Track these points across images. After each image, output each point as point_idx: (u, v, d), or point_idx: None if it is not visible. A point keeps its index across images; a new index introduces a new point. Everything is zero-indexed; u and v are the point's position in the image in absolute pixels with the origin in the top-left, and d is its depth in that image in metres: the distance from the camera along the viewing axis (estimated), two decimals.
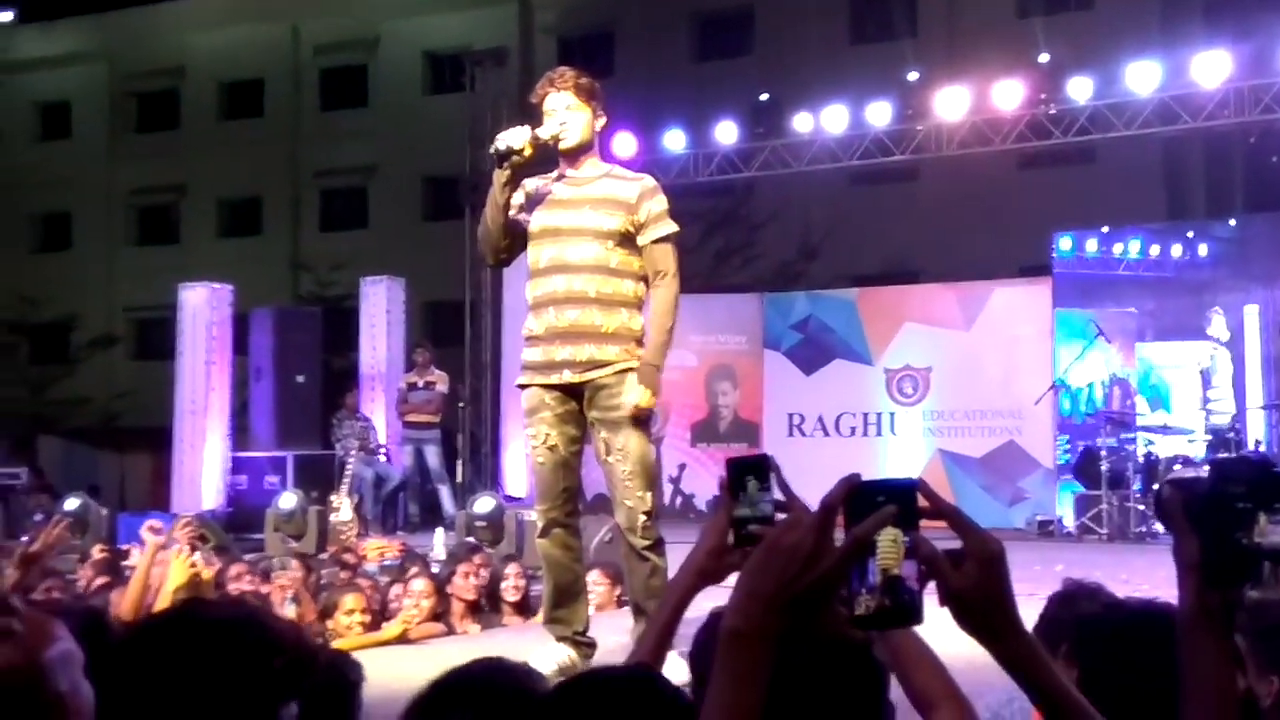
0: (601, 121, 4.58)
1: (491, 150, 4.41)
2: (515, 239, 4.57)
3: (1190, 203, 21.55)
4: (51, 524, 4.31)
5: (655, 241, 4.50)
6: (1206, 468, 1.54)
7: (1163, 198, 20.83)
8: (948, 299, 13.75)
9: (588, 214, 4.47)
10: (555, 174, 4.65)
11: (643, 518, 4.41)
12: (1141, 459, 11.38)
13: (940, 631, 1.27)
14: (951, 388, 13.34)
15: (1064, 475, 12.40)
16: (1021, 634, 1.22)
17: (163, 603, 4.62)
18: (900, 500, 1.18)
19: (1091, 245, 13.43)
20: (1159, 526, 10.19)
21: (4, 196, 30.24)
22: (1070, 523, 11.89)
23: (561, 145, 4.52)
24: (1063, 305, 12.75)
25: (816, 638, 1.17)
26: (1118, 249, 13.39)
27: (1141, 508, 10.90)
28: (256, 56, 29.05)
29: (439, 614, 6.23)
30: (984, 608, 1.21)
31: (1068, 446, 12.48)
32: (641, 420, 4.43)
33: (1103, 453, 11.35)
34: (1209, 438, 11.66)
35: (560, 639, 4.49)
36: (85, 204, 30.13)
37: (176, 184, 29.53)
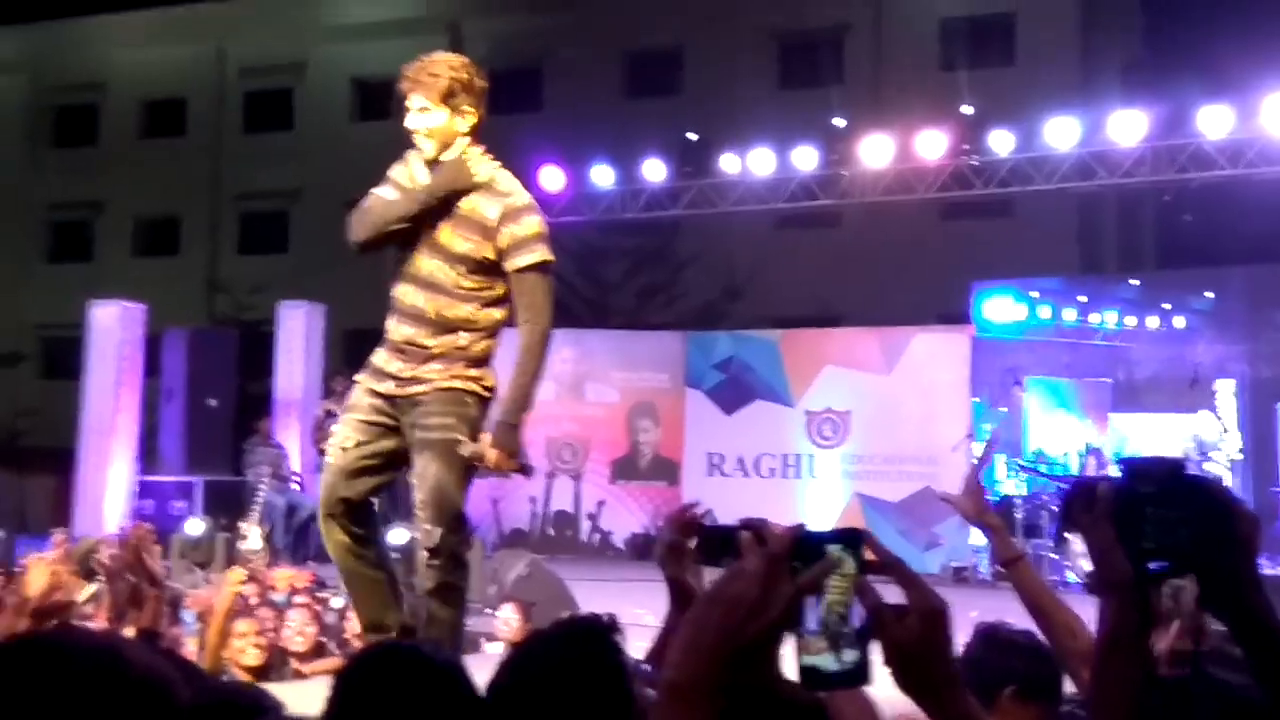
0: (470, 120, 4.14)
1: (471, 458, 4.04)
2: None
3: (1103, 257, 22.06)
4: None
5: (521, 270, 4.07)
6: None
7: (1076, 251, 21.30)
8: (869, 343, 13.87)
9: (445, 232, 4.08)
10: (425, 168, 4.19)
11: (424, 554, 4.02)
12: (1055, 509, 11.54)
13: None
14: (871, 431, 13.43)
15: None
16: (961, 693, 1.19)
17: (20, 617, 4.32)
18: (844, 546, 1.16)
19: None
20: (1071, 576, 10.32)
21: None
22: (984, 569, 12.01)
23: (425, 154, 4.16)
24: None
25: (760, 692, 1.12)
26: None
27: (1055, 556, 11.04)
28: (180, 75, 28.66)
29: (322, 646, 6.05)
30: (924, 664, 1.17)
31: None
32: (450, 449, 4.01)
33: (1017, 501, 11.50)
34: None
35: None
36: None
37: (93, 201, 28.95)
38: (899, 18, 23.92)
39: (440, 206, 4.10)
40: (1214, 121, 11.97)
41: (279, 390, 14.10)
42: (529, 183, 14.47)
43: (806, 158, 13.61)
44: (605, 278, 22.74)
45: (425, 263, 4.10)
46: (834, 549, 1.16)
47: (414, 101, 4.14)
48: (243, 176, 27.88)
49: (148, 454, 13.64)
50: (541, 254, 4.09)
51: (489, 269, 4.09)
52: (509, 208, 4.09)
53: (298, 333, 14.10)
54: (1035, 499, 11.68)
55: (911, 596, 1.18)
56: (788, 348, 14.12)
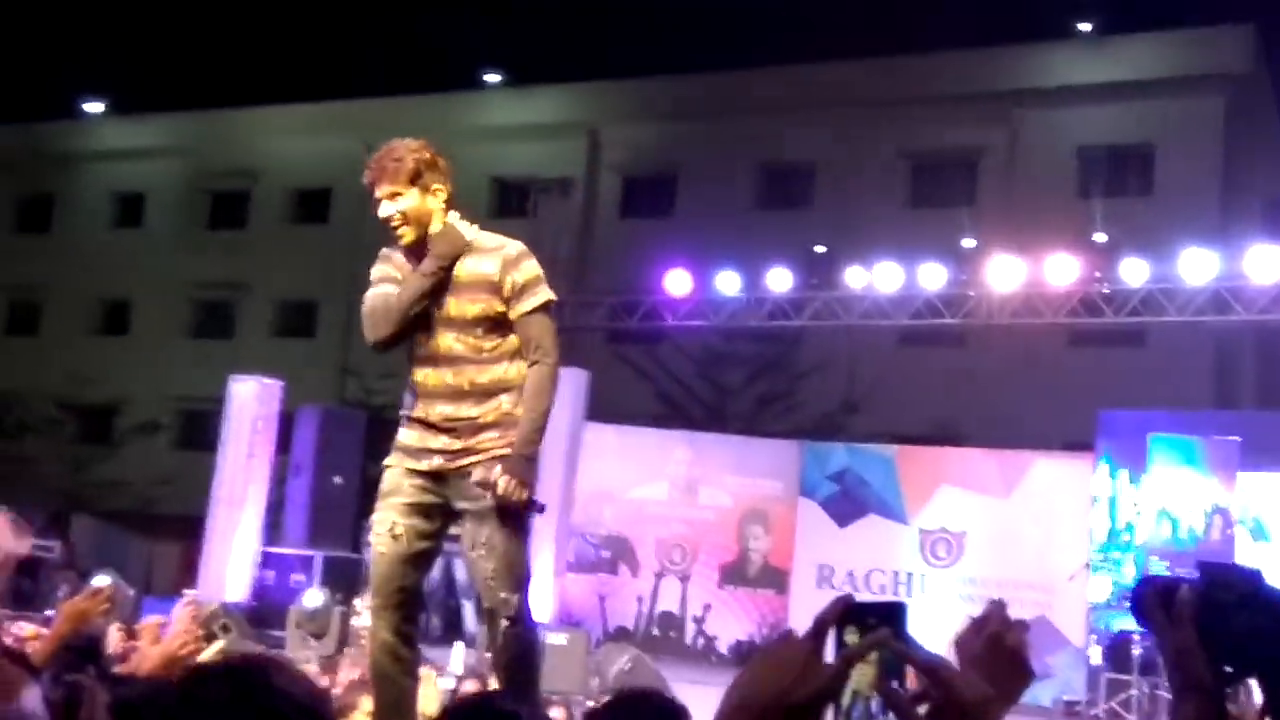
0: (441, 196, 4.13)
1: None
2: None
3: (1238, 394, 21.49)
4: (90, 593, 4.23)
5: (527, 314, 4.07)
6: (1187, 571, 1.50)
7: (1210, 386, 20.79)
8: (988, 465, 13.71)
9: (450, 303, 4.06)
10: (413, 257, 4.17)
11: (504, 622, 3.95)
12: None
13: None
14: (986, 554, 13.21)
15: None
16: None
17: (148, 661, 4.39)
18: (890, 623, 1.20)
19: None
20: None
21: (71, 278, 31.05)
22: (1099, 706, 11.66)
23: (402, 241, 4.13)
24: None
25: None
26: None
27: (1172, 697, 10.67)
28: (328, 167, 29.87)
29: None
30: None
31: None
32: (513, 512, 3.95)
33: (1135, 637, 11.17)
34: None
35: None
36: (147, 293, 30.80)
37: (238, 281, 30.18)
38: (1035, 144, 23.93)
39: (441, 281, 4.10)
40: None
41: None
42: (656, 285, 14.83)
43: (934, 275, 13.61)
44: (725, 383, 22.87)
45: (441, 340, 4.07)
46: (855, 633, 1.19)
47: (382, 190, 4.09)
48: None
49: (272, 527, 14.06)
50: (545, 295, 4.12)
51: (502, 324, 4.08)
52: (506, 258, 4.09)
53: None
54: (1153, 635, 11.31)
55: (945, 694, 1.19)
56: (904, 463, 14.02)
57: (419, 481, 4.04)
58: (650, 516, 14.34)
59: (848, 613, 1.20)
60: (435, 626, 12.89)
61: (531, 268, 4.11)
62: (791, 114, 25.06)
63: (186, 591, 9.69)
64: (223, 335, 30.18)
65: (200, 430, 24.43)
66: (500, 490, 3.88)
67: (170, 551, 19.61)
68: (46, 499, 23.11)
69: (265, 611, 11.91)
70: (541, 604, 13.75)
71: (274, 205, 30.79)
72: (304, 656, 9.30)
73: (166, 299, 30.68)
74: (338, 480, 13.51)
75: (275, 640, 10.17)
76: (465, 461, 3.98)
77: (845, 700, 1.18)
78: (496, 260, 4.08)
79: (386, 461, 4.16)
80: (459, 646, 9.89)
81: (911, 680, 1.21)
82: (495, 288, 4.05)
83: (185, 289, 30.84)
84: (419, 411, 4.07)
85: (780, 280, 14.32)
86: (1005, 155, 24.22)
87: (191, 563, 14.49)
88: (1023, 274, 13.17)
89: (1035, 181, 23.33)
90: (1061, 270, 12.96)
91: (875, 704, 1.19)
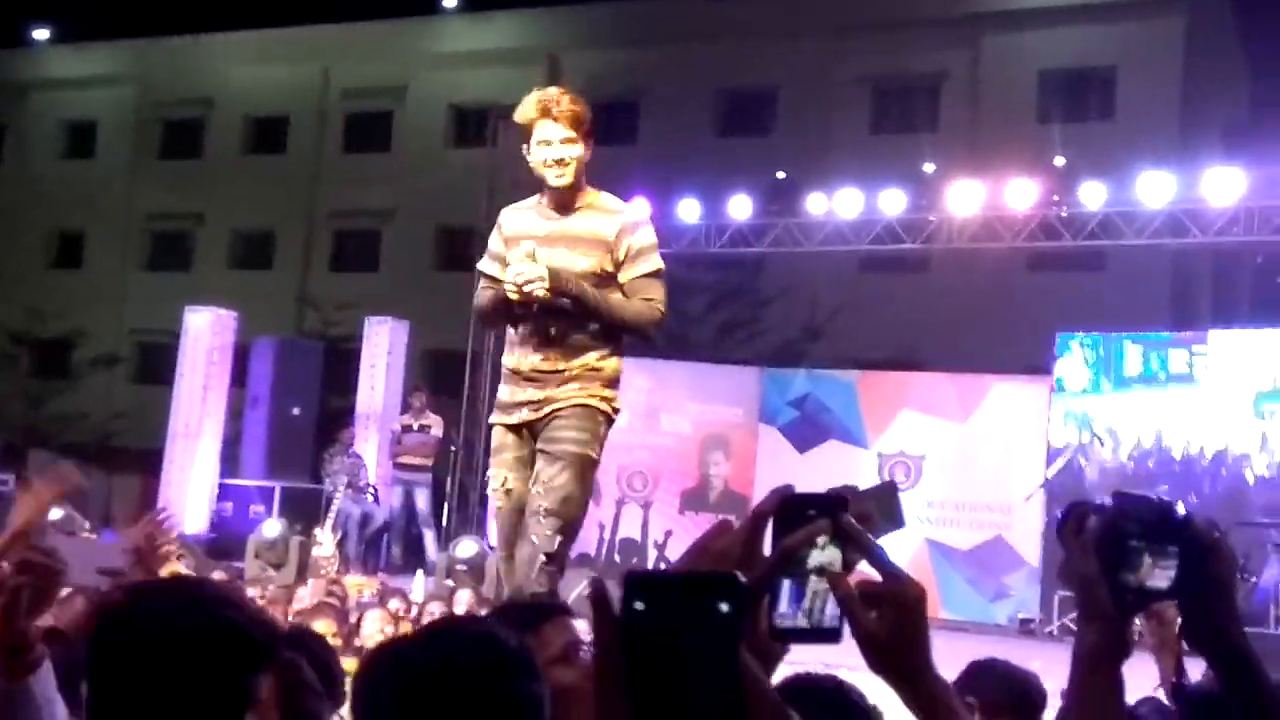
0: (589, 149, 4.26)
1: (512, 291, 4.11)
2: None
3: (1196, 315, 21.69)
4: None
5: (638, 277, 4.24)
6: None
7: (1168, 307, 20.96)
8: (947, 389, 13.78)
9: (563, 253, 4.18)
10: (535, 201, 4.36)
11: (543, 559, 4.08)
12: None
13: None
14: (944, 478, 13.33)
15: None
16: (932, 679, 1.17)
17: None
18: (831, 515, 1.14)
19: None
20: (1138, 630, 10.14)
21: (23, 210, 30.51)
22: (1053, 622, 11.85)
23: (557, 183, 4.20)
24: None
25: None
26: None
27: None
28: (285, 95, 29.42)
29: None
30: (897, 652, 1.16)
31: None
32: (582, 463, 4.17)
33: None
34: None
35: None
36: (101, 224, 30.36)
37: (194, 212, 29.78)
38: (997, 68, 23.83)
39: (554, 234, 4.24)
40: None
41: (360, 403, 14.38)
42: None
43: (894, 201, 13.57)
44: (686, 310, 22.83)
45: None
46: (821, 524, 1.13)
47: (552, 132, 4.14)
48: (339, 195, 28.49)
49: (230, 458, 13.99)
50: (657, 263, 4.29)
51: (606, 283, 4.22)
52: (625, 223, 4.26)
53: (382, 347, 14.39)
54: None
55: (886, 586, 1.16)
56: (865, 389, 14.08)
57: (513, 437, 4.28)
58: (612, 445, 14.25)
59: (786, 504, 1.15)
60: (396, 555, 12.92)
61: (647, 235, 4.28)
62: (753, 39, 24.81)
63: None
64: (179, 267, 29.84)
65: (158, 363, 24.22)
66: (522, 266, 4.06)
67: (130, 485, 19.55)
68: (3, 434, 22.91)
69: (224, 544, 11.89)
70: None
71: (229, 134, 30.31)
72: (263, 585, 9.29)
73: (121, 230, 30.26)
74: (295, 411, 13.45)
75: (234, 572, 10.13)
76: (548, 409, 4.19)
77: (807, 604, 1.12)
78: (615, 223, 4.23)
79: (490, 420, 4.44)
80: (419, 575, 9.90)
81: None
82: (609, 248, 4.20)
83: (140, 220, 30.43)
84: (513, 362, 4.29)
85: (741, 207, 14.24)
86: (967, 80, 24.12)
87: (150, 497, 14.40)
88: (982, 198, 13.16)
89: (997, 106, 23.27)
90: (1020, 194, 12.96)
91: (833, 604, 1.13)
